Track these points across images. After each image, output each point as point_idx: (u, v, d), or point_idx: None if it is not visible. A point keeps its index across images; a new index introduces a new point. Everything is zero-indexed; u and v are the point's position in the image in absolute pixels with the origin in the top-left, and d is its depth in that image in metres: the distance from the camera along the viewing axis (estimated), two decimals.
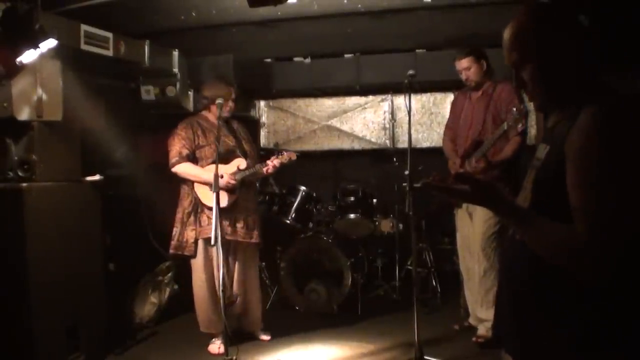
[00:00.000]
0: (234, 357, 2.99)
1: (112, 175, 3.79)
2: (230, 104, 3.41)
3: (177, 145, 3.33)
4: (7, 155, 3.10)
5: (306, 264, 4.32)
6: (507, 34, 1.29)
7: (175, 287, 4.17)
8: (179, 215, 3.39)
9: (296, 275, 4.33)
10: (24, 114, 3.01)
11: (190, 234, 3.33)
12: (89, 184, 3.40)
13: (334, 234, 4.43)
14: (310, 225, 4.53)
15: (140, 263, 4.16)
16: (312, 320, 4.10)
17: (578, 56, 1.23)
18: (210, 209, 3.26)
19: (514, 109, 3.10)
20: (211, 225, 3.21)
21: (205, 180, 3.27)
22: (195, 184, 3.34)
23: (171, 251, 3.42)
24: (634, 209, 1.12)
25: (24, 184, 3.01)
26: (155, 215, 4.14)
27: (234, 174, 3.30)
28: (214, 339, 3.52)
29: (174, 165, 3.32)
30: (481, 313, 3.46)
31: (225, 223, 3.29)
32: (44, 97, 3.05)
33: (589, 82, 1.24)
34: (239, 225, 3.37)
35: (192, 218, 3.34)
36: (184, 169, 3.31)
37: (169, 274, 4.17)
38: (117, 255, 3.86)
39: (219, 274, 2.99)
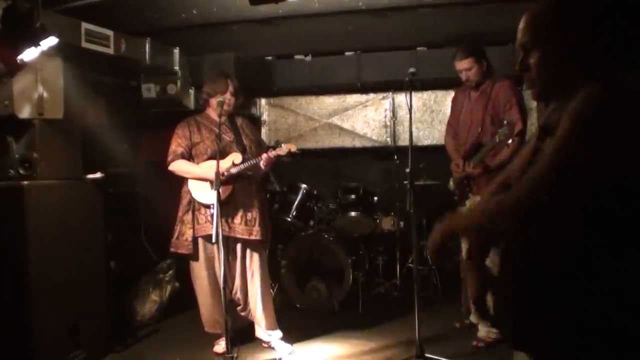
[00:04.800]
0: (235, 355, 2.98)
1: (113, 173, 3.79)
2: (228, 97, 3.34)
3: (173, 144, 3.33)
4: (8, 153, 3.11)
5: (307, 262, 4.31)
6: (525, 16, 1.32)
7: (177, 284, 4.17)
8: (178, 214, 3.38)
9: (297, 273, 4.32)
10: (24, 112, 3.01)
11: (188, 232, 3.31)
12: (90, 182, 3.40)
13: (335, 232, 4.41)
14: (311, 223, 4.52)
15: (141, 261, 4.18)
16: (313, 318, 4.10)
17: (585, 51, 1.25)
18: (204, 205, 3.26)
19: (505, 122, 3.08)
20: (208, 223, 3.22)
21: (199, 175, 3.26)
22: (189, 181, 3.32)
23: (171, 249, 3.40)
24: (575, 191, 1.16)
25: (25, 182, 3.01)
26: (155, 213, 4.12)
27: (227, 168, 3.25)
28: (218, 340, 3.48)
29: (169, 163, 3.31)
30: None
31: (222, 219, 3.23)
32: (45, 95, 3.06)
33: (592, 76, 1.24)
34: (237, 221, 3.31)
35: (189, 216, 3.32)
36: (177, 166, 3.30)
37: (170, 272, 4.17)
38: (118, 253, 3.86)
39: (221, 271, 2.96)
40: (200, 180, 3.28)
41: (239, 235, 3.33)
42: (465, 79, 3.45)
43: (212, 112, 3.41)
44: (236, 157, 3.31)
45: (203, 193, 3.26)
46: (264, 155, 3.30)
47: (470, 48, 3.42)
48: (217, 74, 3.48)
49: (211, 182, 3.14)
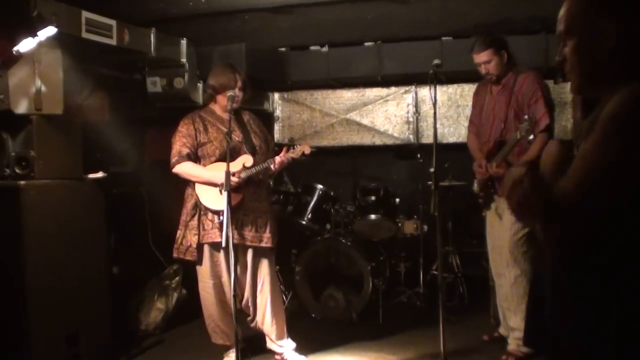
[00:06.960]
0: None
1: (116, 173, 3.78)
2: (238, 92, 3.21)
3: (177, 144, 3.20)
4: (3, 151, 3.09)
5: (323, 269, 4.23)
6: (564, 3, 1.31)
7: (183, 292, 4.11)
8: (182, 218, 3.28)
9: (312, 281, 4.24)
10: (21, 107, 2.96)
11: (193, 239, 3.21)
12: (91, 182, 3.36)
13: (353, 236, 4.33)
14: (328, 226, 4.44)
15: (146, 266, 4.15)
16: (330, 329, 4.01)
17: (625, 43, 1.20)
18: (212, 212, 3.15)
19: (525, 117, 3.00)
20: (215, 230, 3.13)
21: (208, 179, 3.13)
22: (196, 185, 3.20)
23: (174, 255, 3.31)
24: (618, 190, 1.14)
25: (22, 182, 2.96)
26: (160, 215, 4.10)
27: (238, 172, 3.13)
28: (228, 351, 3.38)
29: (174, 165, 3.19)
30: (513, 322, 3.32)
31: (232, 226, 3.12)
32: (43, 89, 3.00)
33: (635, 73, 1.19)
34: (247, 227, 3.22)
35: (195, 221, 3.21)
36: (184, 169, 3.16)
37: (177, 278, 4.12)
38: (122, 257, 3.87)
39: (231, 279, 2.85)
40: (208, 184, 3.13)
41: (249, 243, 3.23)
42: (485, 72, 3.35)
43: (218, 108, 3.30)
44: (247, 159, 3.19)
45: (211, 198, 3.12)
46: (277, 159, 3.19)
47: (488, 39, 3.31)
48: (224, 67, 3.33)
49: (220, 186, 3.02)
